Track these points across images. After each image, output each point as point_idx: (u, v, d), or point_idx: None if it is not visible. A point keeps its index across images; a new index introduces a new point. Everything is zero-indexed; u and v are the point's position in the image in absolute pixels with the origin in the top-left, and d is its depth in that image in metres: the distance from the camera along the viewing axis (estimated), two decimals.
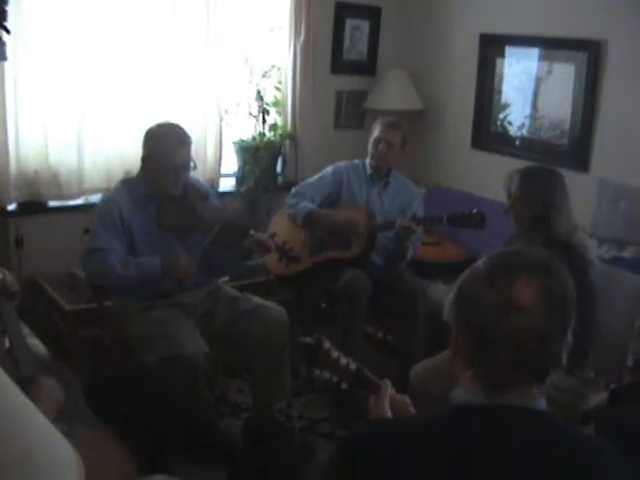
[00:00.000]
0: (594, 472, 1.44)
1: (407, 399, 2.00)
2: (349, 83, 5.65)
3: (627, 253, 4.36)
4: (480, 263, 1.50)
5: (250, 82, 5.16)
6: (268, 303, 3.73)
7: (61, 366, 3.03)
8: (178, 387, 3.17)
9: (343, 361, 2.11)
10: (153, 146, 3.50)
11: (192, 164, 3.56)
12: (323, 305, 4.53)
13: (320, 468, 1.52)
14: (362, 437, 1.53)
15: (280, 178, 5.31)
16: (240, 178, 5.20)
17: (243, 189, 5.07)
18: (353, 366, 2.11)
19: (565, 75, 4.79)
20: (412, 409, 1.96)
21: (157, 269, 3.41)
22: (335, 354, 2.11)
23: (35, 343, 3.05)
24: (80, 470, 1.20)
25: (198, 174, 4.62)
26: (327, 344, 2.12)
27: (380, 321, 4.65)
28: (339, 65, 5.57)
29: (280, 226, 4.32)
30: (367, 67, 5.72)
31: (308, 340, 2.13)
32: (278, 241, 3.65)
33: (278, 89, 5.30)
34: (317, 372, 2.12)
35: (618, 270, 3.82)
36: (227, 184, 5.25)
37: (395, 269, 4.30)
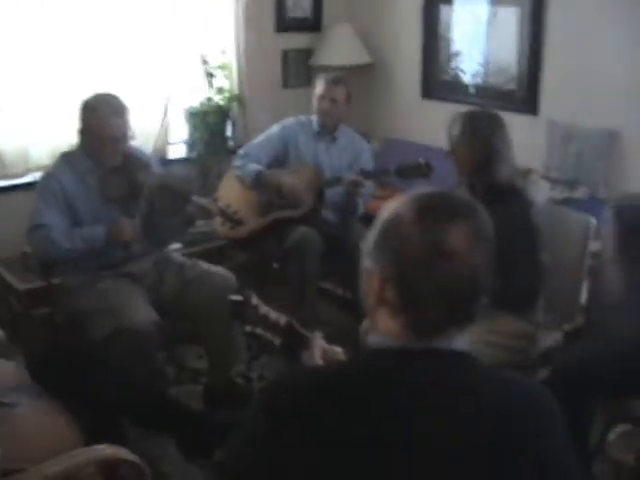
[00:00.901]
0: (515, 413, 1.41)
1: (339, 349, 1.98)
2: (295, 41, 5.57)
3: (579, 194, 4.35)
4: (404, 207, 1.43)
5: (195, 47, 5.08)
6: (216, 268, 3.71)
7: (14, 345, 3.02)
8: (124, 358, 3.16)
9: (272, 316, 2.08)
10: (89, 118, 3.46)
11: (131, 133, 3.51)
12: (275, 266, 4.49)
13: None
14: (277, 385, 1.50)
15: (230, 142, 5.25)
16: (190, 145, 5.16)
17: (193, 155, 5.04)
18: (282, 320, 2.08)
19: (510, 18, 4.76)
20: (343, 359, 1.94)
21: (101, 237, 3.38)
22: (264, 310, 2.08)
23: None
24: None
25: (147, 144, 4.58)
26: (255, 300, 2.09)
27: (337, 278, 4.63)
28: (283, 23, 5.48)
29: (229, 189, 4.29)
30: (312, 24, 5.64)
31: (235, 297, 2.10)
32: (221, 205, 3.62)
33: (224, 52, 5.22)
34: (249, 329, 2.10)
35: (569, 211, 3.80)
36: (178, 151, 5.19)
37: (347, 224, 4.28)
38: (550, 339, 3.47)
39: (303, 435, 1.35)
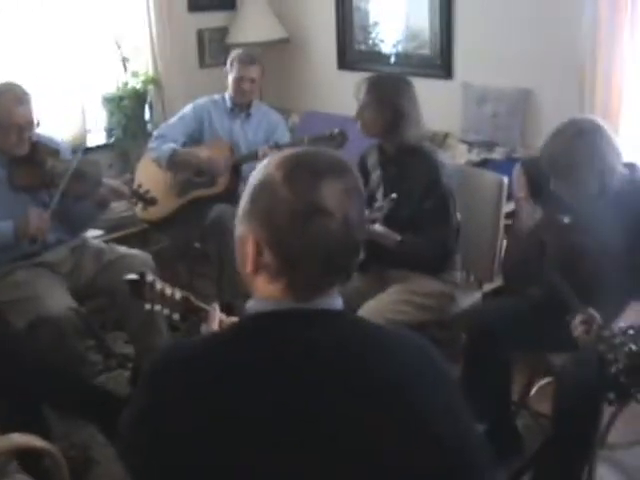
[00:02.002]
0: (402, 367, 1.42)
1: (237, 320, 1.97)
2: (209, 20, 5.52)
3: (496, 155, 4.40)
4: (272, 168, 1.40)
5: (107, 31, 5.02)
6: (133, 251, 3.69)
7: None
8: (43, 347, 3.13)
9: (168, 291, 2.08)
10: None
11: (36, 121, 3.45)
12: (197, 245, 4.47)
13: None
14: (156, 358, 1.48)
15: (149, 125, 5.20)
16: (109, 130, 5.11)
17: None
18: (178, 295, 2.08)
19: None
20: None
21: (10, 233, 3.32)
22: (159, 286, 2.08)
23: None
24: None
25: (64, 131, 4.52)
26: (150, 277, 2.08)
27: None
28: (196, 3, 5.43)
29: (145, 171, 4.28)
30: (226, 2, 5.60)
31: (131, 276, 2.09)
32: (134, 186, 3.59)
33: (136, 35, 5.16)
34: (148, 307, 2.09)
35: (483, 172, 3.84)
36: (97, 138, 5.12)
37: None
38: (470, 299, 3.52)
39: (186, 408, 1.32)
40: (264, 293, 1.42)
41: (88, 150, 4.77)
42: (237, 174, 4.18)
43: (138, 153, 4.88)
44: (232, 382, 1.32)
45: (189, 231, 4.31)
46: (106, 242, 3.89)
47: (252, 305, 1.45)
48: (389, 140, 3.30)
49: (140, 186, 3.65)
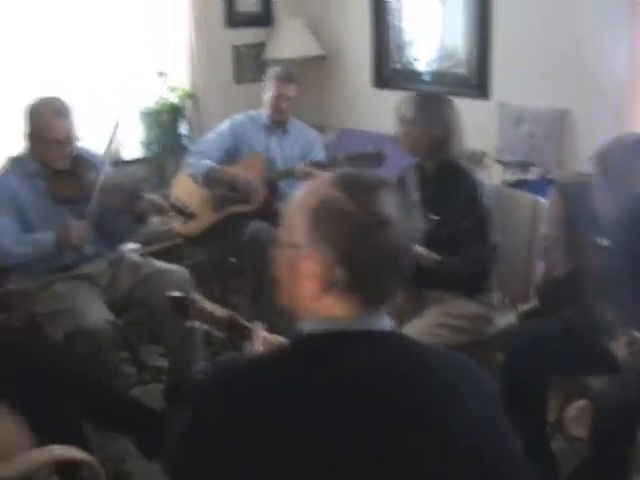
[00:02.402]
0: (451, 388, 1.43)
1: (281, 339, 1.99)
2: (246, 36, 5.57)
3: (531, 175, 4.39)
4: (325, 190, 1.42)
5: (146, 47, 5.07)
6: (169, 265, 3.71)
7: None
8: (81, 359, 3.16)
9: (214, 310, 2.10)
10: (33, 121, 3.45)
11: (76, 135, 3.50)
12: (232, 260, 4.50)
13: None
14: (208, 378, 1.50)
15: (186, 140, 5.24)
16: (146, 144, 5.16)
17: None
18: (224, 313, 2.10)
19: (457, 3, 4.80)
20: None
21: (51, 243, 3.36)
22: (204, 304, 2.09)
23: None
24: None
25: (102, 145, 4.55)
26: (195, 294, 2.10)
27: None
28: (233, 19, 5.47)
29: (182, 187, 4.30)
30: (263, 18, 5.64)
31: (174, 293, 2.12)
32: (172, 200, 3.63)
33: (175, 50, 5.22)
34: (190, 324, 2.11)
35: (520, 193, 3.83)
36: (134, 152, 5.17)
37: None
38: (505, 320, 3.51)
39: (240, 427, 1.32)
40: (329, 313, 1.43)
41: (124, 163, 4.85)
42: (273, 190, 4.20)
43: (174, 167, 4.92)
44: (288, 402, 1.33)
45: (224, 246, 4.33)
46: (142, 255, 3.93)
47: (307, 325, 1.46)
48: (432, 158, 3.29)
49: (178, 200, 3.69)
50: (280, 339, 1.99)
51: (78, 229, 3.37)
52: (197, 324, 2.09)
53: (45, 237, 3.37)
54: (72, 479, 2.57)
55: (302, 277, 1.44)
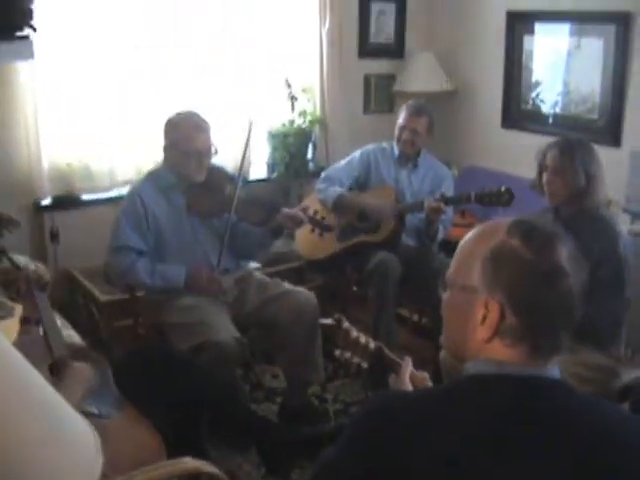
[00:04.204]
0: (619, 442, 1.43)
1: (426, 375, 2.00)
2: (377, 67, 5.64)
3: None
4: (502, 236, 1.45)
5: (279, 71, 5.17)
6: (297, 288, 3.76)
7: (96, 353, 3.08)
8: (208, 372, 3.21)
9: (362, 340, 2.11)
10: (173, 134, 3.57)
11: (213, 149, 3.60)
12: (354, 289, 4.53)
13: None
14: (375, 409, 1.52)
15: (311, 164, 5.33)
16: (271, 165, 5.25)
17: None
18: (372, 345, 2.11)
19: (594, 49, 4.74)
20: (430, 385, 1.96)
21: (181, 280, 3.49)
22: (354, 334, 2.11)
23: (70, 334, 3.11)
24: (97, 450, 1.22)
25: (230, 162, 4.66)
26: (346, 324, 2.13)
27: (414, 304, 4.65)
28: (366, 49, 5.56)
29: (314, 205, 4.35)
30: (395, 50, 5.70)
31: (327, 321, 2.14)
32: (309, 212, 3.70)
33: (307, 76, 5.31)
34: (338, 352, 2.13)
35: None
36: (259, 172, 5.28)
37: (426, 250, 4.29)
38: (631, 374, 3.43)
39: (409, 461, 1.35)
40: (498, 357, 1.44)
41: (249, 183, 4.94)
42: (401, 223, 4.22)
43: (299, 190, 5.02)
44: (460, 440, 1.34)
45: (347, 273, 4.36)
46: (270, 276, 3.98)
47: (475, 367, 1.48)
48: (573, 205, 3.27)
49: (317, 213, 3.75)
50: (425, 375, 2.00)
51: (209, 275, 3.51)
52: (345, 354, 2.11)
53: (176, 274, 3.50)
54: None
55: (475, 321, 1.46)
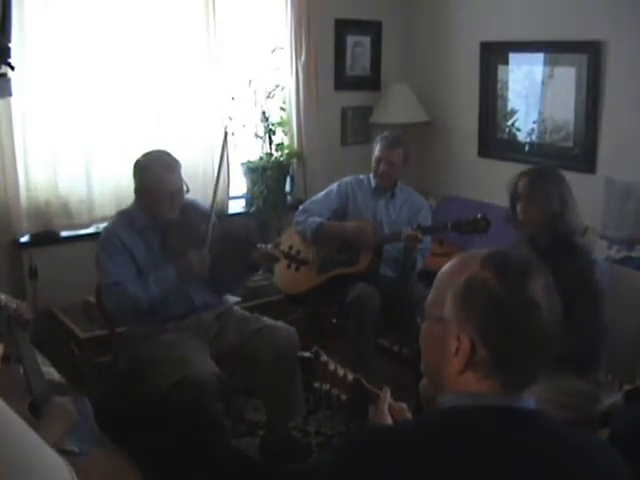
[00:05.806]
0: (591, 472, 1.44)
1: (405, 406, 2.00)
2: (354, 99, 5.68)
3: (636, 252, 4.33)
4: (474, 268, 1.46)
5: (255, 104, 5.18)
6: (277, 323, 3.75)
7: (76, 390, 3.06)
8: (185, 409, 3.20)
9: (341, 372, 2.12)
10: (143, 177, 3.55)
11: (185, 187, 3.59)
12: (334, 321, 4.53)
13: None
14: (357, 443, 1.52)
15: (289, 197, 5.34)
16: (249, 199, 5.25)
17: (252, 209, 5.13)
18: (351, 377, 2.12)
19: (567, 78, 4.81)
20: (409, 415, 1.96)
21: (172, 274, 3.48)
22: (332, 366, 2.12)
23: (50, 371, 3.09)
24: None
25: (207, 197, 4.66)
26: (324, 357, 2.13)
27: (394, 334, 4.66)
28: (343, 82, 5.60)
29: (291, 240, 4.38)
30: (371, 82, 5.76)
31: (305, 354, 2.15)
32: (283, 248, 3.70)
33: (283, 109, 5.34)
34: (317, 385, 2.14)
35: (628, 270, 3.80)
36: (237, 206, 5.28)
37: (405, 281, 4.31)
38: (611, 399, 3.45)
39: None
40: (472, 389, 1.45)
41: (228, 217, 4.94)
42: (379, 254, 4.24)
43: (277, 224, 5.02)
44: (440, 473, 1.35)
45: (327, 306, 4.37)
46: (251, 309, 3.98)
47: (450, 400, 1.48)
48: (546, 233, 3.30)
49: (291, 248, 3.75)
50: (404, 406, 2.01)
51: (198, 258, 3.48)
52: (324, 386, 2.11)
53: (164, 272, 3.48)
54: None
55: (449, 352, 1.46)
